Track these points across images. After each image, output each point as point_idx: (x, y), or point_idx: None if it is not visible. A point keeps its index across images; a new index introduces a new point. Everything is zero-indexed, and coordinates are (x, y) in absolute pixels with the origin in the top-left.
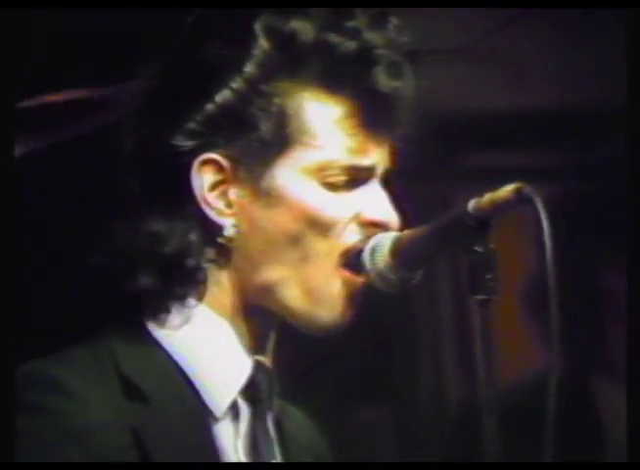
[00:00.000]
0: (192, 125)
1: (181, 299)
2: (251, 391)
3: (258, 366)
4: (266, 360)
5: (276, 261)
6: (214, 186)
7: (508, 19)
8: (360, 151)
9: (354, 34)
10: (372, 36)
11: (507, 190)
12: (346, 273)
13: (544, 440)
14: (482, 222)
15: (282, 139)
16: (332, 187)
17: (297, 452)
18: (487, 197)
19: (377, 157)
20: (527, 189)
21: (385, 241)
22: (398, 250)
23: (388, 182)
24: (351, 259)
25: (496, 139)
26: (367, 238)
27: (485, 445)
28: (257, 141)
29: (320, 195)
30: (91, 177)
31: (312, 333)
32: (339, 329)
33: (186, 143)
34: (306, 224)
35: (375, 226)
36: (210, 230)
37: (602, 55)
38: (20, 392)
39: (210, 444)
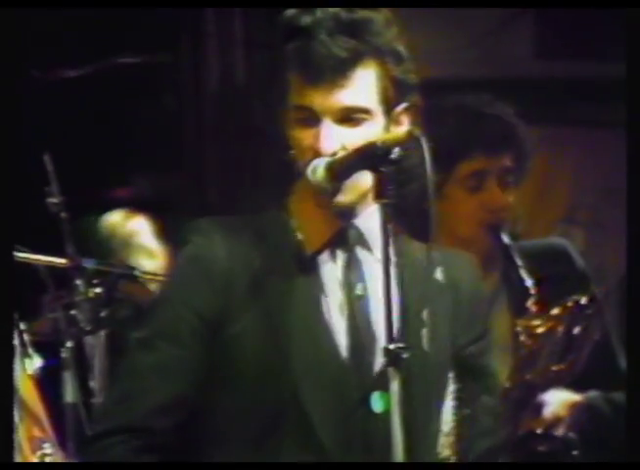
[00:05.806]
0: None
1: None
2: (342, 243)
3: (348, 226)
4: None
5: None
6: None
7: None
8: (303, 99)
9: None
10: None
11: (402, 131)
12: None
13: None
14: (387, 151)
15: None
16: (299, 123)
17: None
18: (390, 134)
19: (317, 102)
20: (416, 131)
21: (321, 163)
22: (331, 169)
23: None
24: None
25: None
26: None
27: None
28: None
29: (294, 130)
30: None
31: None
32: None
33: None
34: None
35: (319, 154)
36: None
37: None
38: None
39: (308, 273)
